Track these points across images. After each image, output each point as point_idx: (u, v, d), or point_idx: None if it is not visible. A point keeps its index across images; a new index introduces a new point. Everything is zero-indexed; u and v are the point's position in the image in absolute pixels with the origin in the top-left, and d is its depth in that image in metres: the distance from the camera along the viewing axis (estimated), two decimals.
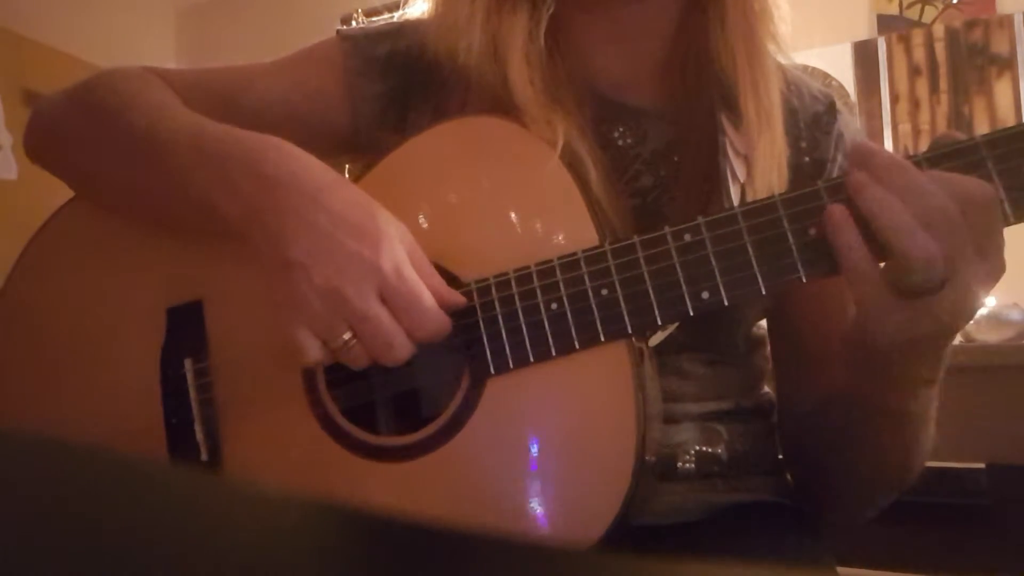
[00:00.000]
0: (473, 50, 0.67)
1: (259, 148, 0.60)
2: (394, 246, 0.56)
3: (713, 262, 0.55)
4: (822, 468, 0.71)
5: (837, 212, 0.52)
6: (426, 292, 0.56)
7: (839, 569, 0.72)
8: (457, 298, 0.59)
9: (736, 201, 0.64)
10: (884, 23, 2.66)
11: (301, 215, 0.56)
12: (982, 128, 2.46)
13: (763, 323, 0.79)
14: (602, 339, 0.57)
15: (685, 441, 0.68)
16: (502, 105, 0.65)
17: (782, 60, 0.72)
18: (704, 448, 0.69)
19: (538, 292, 0.58)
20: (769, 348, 0.79)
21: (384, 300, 0.55)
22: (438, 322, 0.56)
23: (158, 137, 0.64)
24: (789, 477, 0.76)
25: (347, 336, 0.55)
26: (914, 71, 2.61)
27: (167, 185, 0.64)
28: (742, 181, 0.66)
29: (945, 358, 0.56)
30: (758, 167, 0.65)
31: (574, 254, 0.58)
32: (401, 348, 0.56)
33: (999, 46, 2.50)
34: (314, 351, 0.56)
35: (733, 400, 0.72)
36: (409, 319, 0.55)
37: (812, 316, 0.74)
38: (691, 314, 0.56)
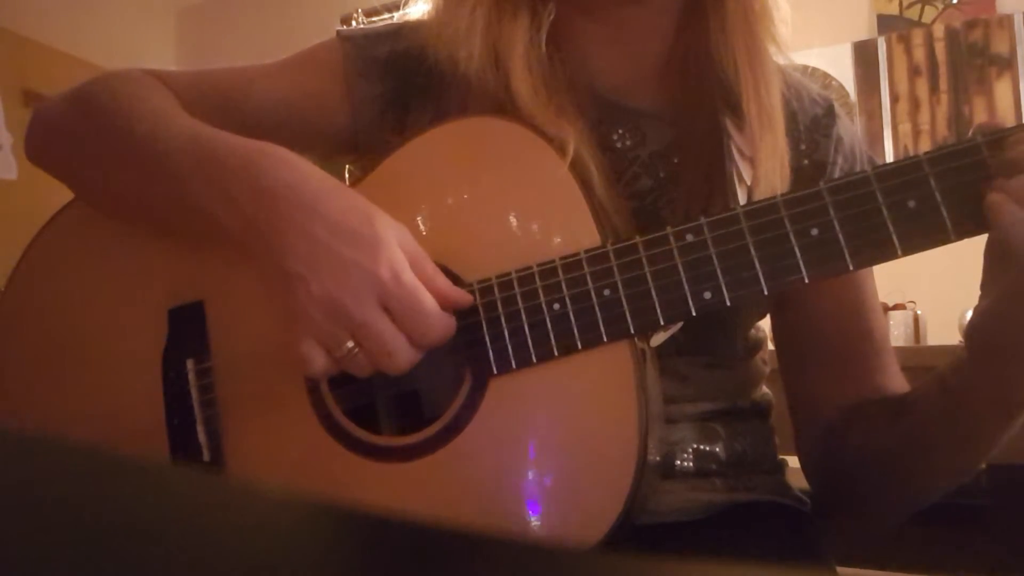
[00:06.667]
0: (474, 59, 0.66)
1: (255, 158, 0.60)
2: (392, 252, 0.56)
3: (715, 262, 0.55)
4: (875, 472, 0.69)
5: (997, 199, 0.51)
6: (427, 296, 0.56)
7: (839, 569, 0.72)
8: (463, 296, 0.58)
9: (743, 203, 0.64)
10: (884, 23, 2.67)
11: (298, 226, 0.56)
12: None
13: (761, 326, 0.78)
14: (604, 339, 0.57)
15: (682, 439, 0.68)
16: (504, 110, 0.64)
17: (782, 61, 0.72)
18: (702, 446, 0.69)
19: (540, 292, 0.58)
20: (777, 356, 0.78)
21: (385, 307, 0.55)
22: (440, 326, 0.56)
23: (157, 145, 0.64)
24: (808, 484, 0.75)
25: (349, 345, 0.55)
26: (914, 71, 2.61)
27: (166, 194, 0.64)
28: (748, 183, 0.66)
29: None
30: (762, 168, 0.66)
31: (576, 254, 0.58)
32: (402, 355, 0.55)
33: (999, 46, 2.50)
34: (319, 362, 0.56)
35: (730, 400, 0.72)
36: (410, 325, 0.55)
37: (827, 317, 0.73)
38: (693, 314, 0.56)
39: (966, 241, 0.54)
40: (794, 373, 0.77)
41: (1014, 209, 0.50)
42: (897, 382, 0.73)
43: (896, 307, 2.60)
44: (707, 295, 0.55)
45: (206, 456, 0.65)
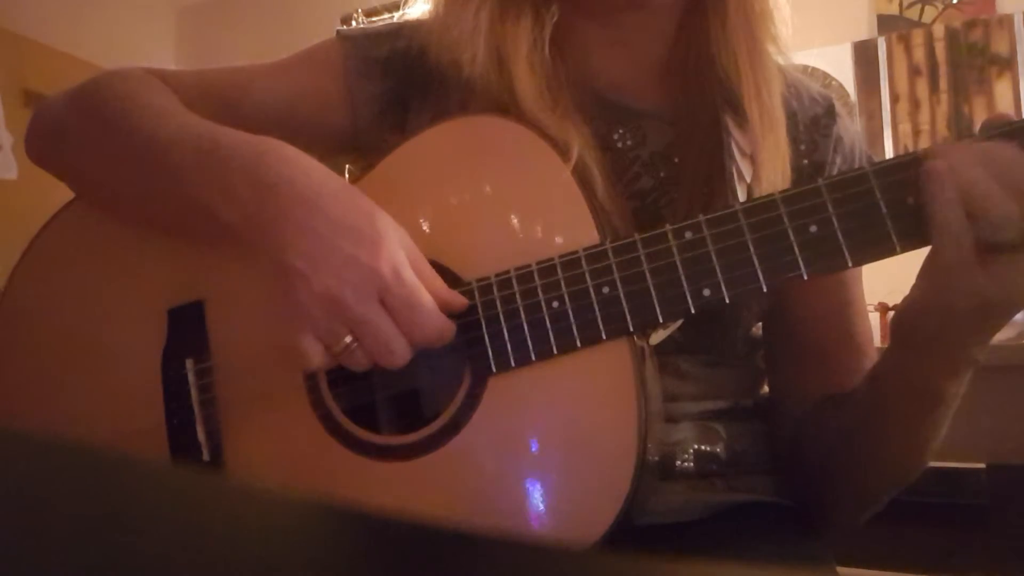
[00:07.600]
0: (478, 61, 0.66)
1: (257, 153, 0.60)
2: (394, 249, 0.56)
3: (714, 259, 0.55)
4: (827, 467, 0.71)
5: (939, 166, 0.52)
6: (426, 295, 0.56)
7: (839, 569, 0.72)
8: (459, 300, 0.59)
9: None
10: (884, 23, 2.66)
11: (299, 221, 0.56)
12: None
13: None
14: (603, 337, 0.57)
15: (683, 440, 0.68)
16: (507, 111, 0.64)
17: (782, 61, 0.72)
18: (702, 447, 0.69)
19: (539, 290, 0.58)
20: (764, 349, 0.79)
21: (384, 304, 0.55)
22: (438, 325, 0.56)
23: (158, 141, 0.64)
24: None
25: (347, 340, 0.55)
26: (914, 71, 2.60)
27: (167, 189, 0.64)
28: (748, 182, 0.66)
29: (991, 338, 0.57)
30: (764, 168, 0.66)
31: (575, 252, 0.58)
32: (399, 352, 0.56)
33: (999, 46, 2.50)
34: (316, 356, 0.56)
35: (732, 400, 0.72)
36: (408, 322, 0.55)
37: (810, 314, 0.74)
38: (692, 311, 0.56)
39: None
40: (774, 366, 0.78)
41: (947, 184, 0.51)
42: None
43: (896, 307, 2.60)
44: (706, 292, 0.56)
45: (206, 456, 0.65)
